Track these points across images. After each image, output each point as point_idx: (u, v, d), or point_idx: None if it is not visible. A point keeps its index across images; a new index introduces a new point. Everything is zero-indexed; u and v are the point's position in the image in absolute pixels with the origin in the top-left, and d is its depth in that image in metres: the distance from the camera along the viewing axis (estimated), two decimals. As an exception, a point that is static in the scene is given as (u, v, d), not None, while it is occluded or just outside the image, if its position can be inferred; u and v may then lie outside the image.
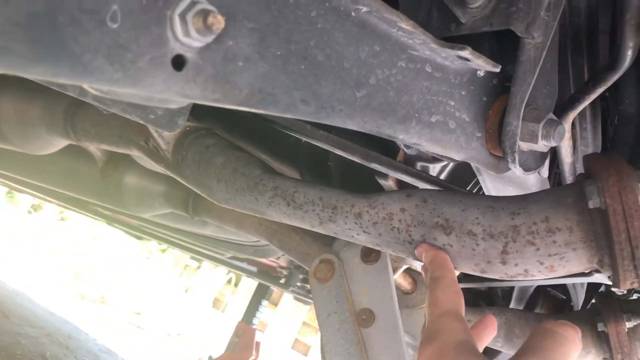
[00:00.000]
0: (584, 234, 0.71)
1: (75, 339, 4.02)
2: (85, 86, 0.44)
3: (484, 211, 0.77)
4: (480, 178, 1.00)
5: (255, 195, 0.95)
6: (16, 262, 5.97)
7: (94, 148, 1.74)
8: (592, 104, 1.19)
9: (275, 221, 1.50)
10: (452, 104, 0.62)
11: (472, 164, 0.95)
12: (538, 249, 0.73)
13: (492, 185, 1.01)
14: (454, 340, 0.59)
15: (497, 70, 0.60)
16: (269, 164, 1.39)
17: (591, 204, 0.67)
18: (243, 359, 3.23)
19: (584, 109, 1.19)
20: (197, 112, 1.17)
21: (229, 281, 8.13)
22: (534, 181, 0.97)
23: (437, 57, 0.58)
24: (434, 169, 1.10)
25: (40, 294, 4.96)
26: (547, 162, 0.87)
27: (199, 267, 8.62)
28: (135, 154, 1.24)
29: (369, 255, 1.10)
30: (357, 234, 0.88)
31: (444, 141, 0.63)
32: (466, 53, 0.54)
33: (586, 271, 0.77)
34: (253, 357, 3.26)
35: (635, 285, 0.72)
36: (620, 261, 0.68)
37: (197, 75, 0.40)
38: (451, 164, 1.13)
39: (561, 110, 0.87)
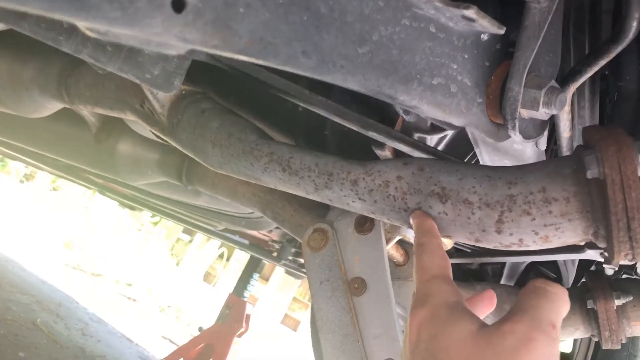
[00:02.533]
0: (581, 205, 0.71)
1: (66, 307, 4.02)
2: (83, 28, 0.43)
3: (480, 180, 0.77)
4: (477, 150, 1.00)
5: (250, 160, 0.94)
6: (7, 230, 5.96)
7: (88, 113, 1.72)
8: (592, 81, 1.18)
9: (269, 192, 1.50)
10: (455, 67, 0.61)
11: (470, 134, 0.95)
12: (534, 219, 0.73)
13: (488, 157, 1.01)
14: (444, 302, 0.59)
15: (502, 32, 0.59)
16: (267, 132, 1.38)
17: (589, 174, 0.67)
18: (233, 331, 3.24)
19: (583, 87, 1.18)
20: (193, 77, 1.16)
21: (221, 255, 8.15)
22: (531, 154, 0.97)
23: (441, 17, 0.57)
24: (431, 140, 1.09)
25: (31, 263, 4.96)
26: (545, 133, 0.87)
27: (190, 241, 8.62)
28: (130, 117, 1.23)
29: (363, 225, 1.10)
30: (353, 201, 0.87)
31: (444, 105, 0.62)
32: (471, 12, 0.53)
33: (581, 243, 0.77)
34: (243, 329, 3.28)
35: (629, 258, 0.72)
36: (615, 232, 0.68)
37: (197, 19, 0.39)
38: (448, 136, 1.12)
39: (562, 82, 0.86)
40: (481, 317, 0.78)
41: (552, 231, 0.73)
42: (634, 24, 0.73)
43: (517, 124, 0.65)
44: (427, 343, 0.55)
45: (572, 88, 0.85)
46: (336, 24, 0.48)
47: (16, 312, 3.22)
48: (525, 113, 0.66)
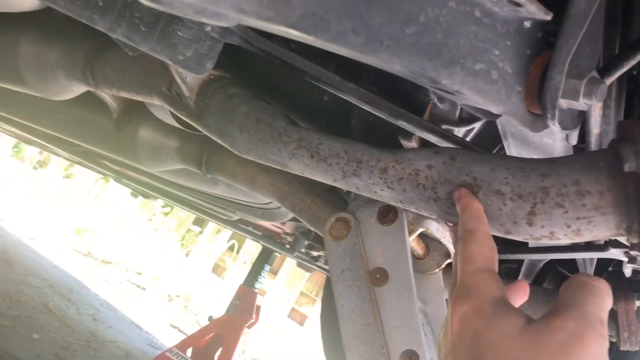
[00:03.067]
0: (615, 199, 0.70)
1: (77, 292, 4.06)
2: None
3: (513, 171, 0.76)
4: (505, 143, 0.99)
5: (278, 146, 0.94)
6: (21, 215, 6.01)
7: (110, 98, 1.73)
8: (619, 80, 1.17)
9: (287, 183, 1.50)
10: (497, 53, 0.60)
11: (500, 126, 0.94)
12: (566, 212, 0.72)
13: (516, 151, 1.00)
14: (490, 297, 0.57)
15: (549, 17, 0.59)
16: (294, 121, 1.38)
17: (627, 167, 0.66)
18: (243, 322, 3.26)
19: (610, 85, 1.17)
20: (219, 63, 1.16)
21: (231, 248, 8.18)
22: (561, 149, 0.96)
23: (486, 2, 0.56)
24: (458, 133, 1.09)
25: (43, 248, 5.00)
26: (578, 127, 0.86)
27: (201, 232, 8.67)
28: (156, 101, 1.23)
29: (386, 216, 1.10)
30: (381, 190, 0.87)
31: (485, 91, 0.62)
32: (519, -4, 0.52)
33: (612, 237, 0.76)
34: (253, 320, 3.29)
35: (663, 254, 0.72)
36: (650, 227, 0.68)
37: (254, -11, 0.39)
38: (475, 129, 1.11)
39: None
40: None
41: (584, 225, 0.73)
42: (676, 17, 0.72)
43: (556, 114, 0.64)
44: (472, 339, 0.54)
45: (608, 81, 0.84)
46: (386, 3, 0.48)
47: (29, 294, 3.25)
48: (564, 103, 0.66)
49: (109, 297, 4.56)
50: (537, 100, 0.66)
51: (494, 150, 1.14)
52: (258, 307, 3.32)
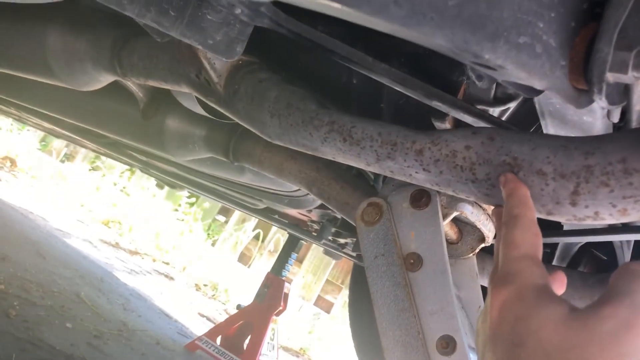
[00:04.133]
0: (665, 177, 0.67)
1: (107, 283, 4.12)
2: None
3: (555, 150, 0.74)
4: (542, 122, 0.96)
5: (310, 130, 0.93)
6: (50, 208, 6.12)
7: (137, 88, 1.73)
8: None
9: (315, 169, 1.49)
10: (541, 26, 0.58)
11: (537, 105, 0.91)
12: (612, 191, 0.70)
13: (554, 131, 0.97)
14: (533, 284, 0.56)
15: (596, -15, 0.56)
16: (323, 106, 1.36)
17: (679, 144, 0.64)
18: (271, 309, 3.27)
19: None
20: (248, 48, 1.15)
21: (257, 237, 8.23)
22: (601, 128, 0.93)
23: (530, -28, 0.54)
24: (493, 113, 1.06)
25: (73, 239, 5.09)
26: (623, 104, 0.83)
27: (226, 222, 8.73)
28: (185, 89, 1.22)
29: (419, 200, 1.08)
30: (416, 172, 0.85)
31: (529, 66, 0.59)
32: (568, -37, 0.50)
33: (660, 217, 0.73)
34: (281, 308, 3.30)
35: None
36: (703, 206, 0.65)
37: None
38: (511, 110, 1.09)
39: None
40: None
41: (631, 204, 0.70)
42: None
43: (604, 88, 0.62)
44: (513, 325, 0.53)
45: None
46: (429, -27, 0.46)
47: (61, 285, 3.31)
48: (611, 77, 0.63)
49: (138, 287, 4.63)
50: (582, 75, 0.64)
51: (530, 131, 1.11)
52: (286, 295, 3.33)
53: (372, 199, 1.13)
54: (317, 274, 7.69)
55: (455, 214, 1.11)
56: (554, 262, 1.58)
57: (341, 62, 0.88)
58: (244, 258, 8.38)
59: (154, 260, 6.77)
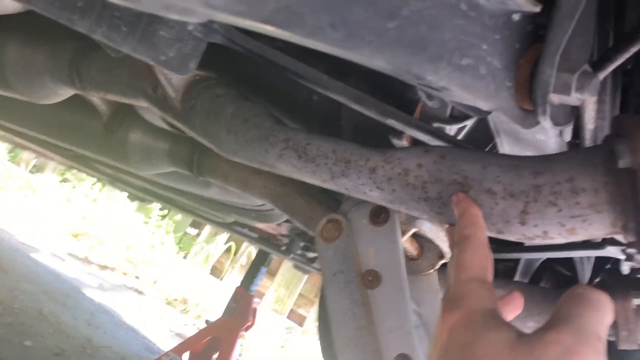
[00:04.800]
0: (610, 196, 0.68)
1: (73, 298, 4.02)
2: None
3: (505, 169, 0.74)
4: (498, 140, 0.97)
5: (265, 147, 0.92)
6: (17, 220, 5.97)
7: (99, 101, 1.70)
8: (614, 75, 1.15)
9: (280, 184, 1.48)
10: (485, 48, 0.58)
11: (492, 124, 0.92)
12: (560, 210, 0.70)
13: (509, 149, 0.98)
14: (481, 308, 0.55)
15: (537, 9, 0.57)
16: (283, 121, 1.36)
17: (621, 164, 0.64)
18: (240, 325, 3.23)
19: (605, 80, 1.15)
20: (206, 63, 1.14)
21: (229, 250, 8.15)
22: (554, 146, 0.94)
23: (472, -6, 0.54)
24: (450, 131, 1.06)
25: (40, 253, 4.97)
26: (571, 123, 0.84)
27: (198, 235, 8.62)
28: (142, 104, 1.21)
29: (378, 216, 1.07)
30: (370, 190, 0.85)
31: (473, 87, 0.59)
32: (506, -13, 0.50)
33: (608, 236, 0.74)
34: (250, 323, 3.27)
35: (660, 253, 0.70)
36: (646, 225, 0.66)
37: (222, -18, 0.37)
38: (467, 127, 1.09)
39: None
40: (508, 320, 0.73)
41: (578, 223, 0.70)
42: (670, 8, 0.70)
43: (547, 109, 0.62)
44: (460, 351, 0.52)
45: (601, 76, 0.82)
46: (367, -4, 0.46)
47: (23, 301, 3.22)
48: (556, 98, 0.64)
49: (106, 302, 4.53)
50: (528, 96, 0.64)
51: (487, 148, 1.12)
52: (255, 310, 3.30)
53: (332, 216, 1.12)
54: (290, 287, 7.64)
55: (413, 230, 1.11)
56: (516, 278, 1.59)
57: (296, 79, 0.87)
58: (216, 271, 8.28)
59: (124, 274, 6.65)
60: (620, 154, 0.64)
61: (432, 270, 1.26)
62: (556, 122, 0.66)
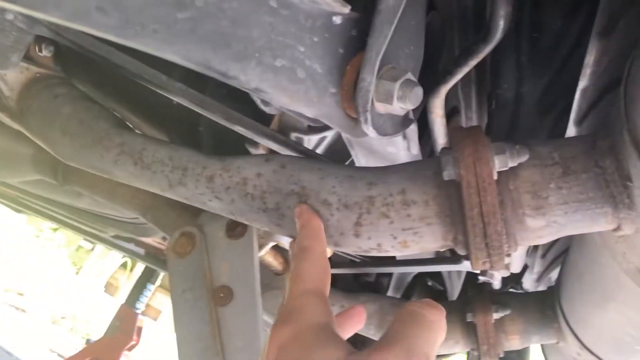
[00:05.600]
0: (440, 209, 0.67)
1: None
2: None
3: (341, 180, 0.72)
4: (352, 152, 0.95)
5: (100, 151, 0.85)
6: None
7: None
8: (478, 89, 1.17)
9: (150, 195, 1.39)
10: (302, 50, 0.55)
11: (344, 135, 0.90)
12: (392, 222, 0.68)
13: (365, 160, 0.97)
14: (312, 322, 0.52)
15: (347, 10, 0.55)
16: (139, 125, 1.27)
17: (446, 175, 0.63)
18: (123, 344, 3.06)
19: (470, 95, 1.17)
20: (63, 62, 1.05)
21: (124, 265, 7.78)
22: (405, 158, 0.94)
23: (283, -9, 0.51)
24: (309, 142, 1.04)
25: None
26: (414, 136, 0.84)
27: (92, 249, 8.19)
28: (-21, 102, 1.09)
29: (234, 229, 1.03)
30: (209, 200, 0.80)
31: (290, 91, 0.56)
32: (309, -17, 0.47)
33: (442, 249, 0.73)
34: (134, 343, 3.10)
35: (487, 267, 0.69)
36: (472, 238, 0.65)
37: None
38: (328, 138, 1.07)
39: (435, 84, 0.84)
40: (350, 334, 0.70)
41: (410, 236, 0.69)
42: (500, 22, 0.70)
43: (369, 118, 0.60)
44: None
45: (444, 90, 0.82)
46: (146, -21, 0.41)
47: None
48: (381, 107, 0.62)
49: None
50: (354, 103, 0.62)
51: (349, 160, 1.10)
52: (139, 329, 3.13)
53: (186, 229, 1.06)
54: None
55: (272, 244, 1.07)
56: (389, 292, 1.59)
57: (132, 78, 0.81)
58: (110, 288, 7.86)
59: (7, 291, 6.17)
60: (444, 165, 0.63)
61: (296, 286, 1.23)
62: (382, 132, 0.64)
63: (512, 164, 0.63)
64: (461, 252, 0.70)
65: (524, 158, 0.63)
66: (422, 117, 0.96)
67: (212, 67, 0.49)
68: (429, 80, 0.86)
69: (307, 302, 0.56)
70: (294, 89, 0.56)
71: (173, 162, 0.79)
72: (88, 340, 3.27)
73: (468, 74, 1.10)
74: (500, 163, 0.62)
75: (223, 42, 0.48)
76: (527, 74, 0.98)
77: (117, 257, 7.93)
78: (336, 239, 0.72)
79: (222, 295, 0.98)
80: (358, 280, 1.82)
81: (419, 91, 0.61)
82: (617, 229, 0.65)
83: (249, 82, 0.52)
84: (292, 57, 0.54)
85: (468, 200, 0.63)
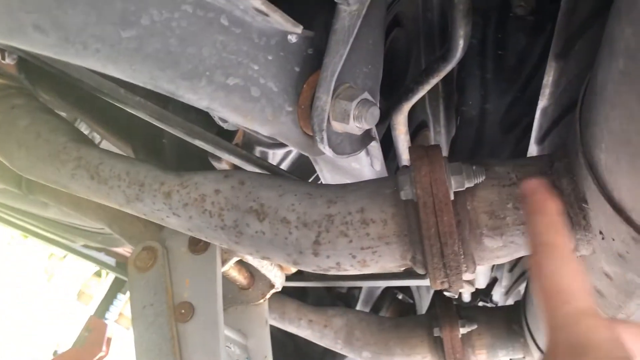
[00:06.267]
0: (398, 228, 0.66)
1: None
2: None
3: (301, 197, 0.71)
4: (317, 168, 0.95)
5: (56, 165, 0.83)
6: None
7: None
8: (446, 106, 1.18)
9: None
10: (256, 68, 0.54)
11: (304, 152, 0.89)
12: (351, 241, 0.68)
13: (330, 176, 0.96)
14: None
15: (298, 31, 0.54)
16: (104, 136, 1.25)
17: (403, 195, 0.63)
18: (91, 355, 2.99)
19: (438, 111, 1.18)
20: (28, 72, 1.02)
21: (98, 273, 7.66)
22: (370, 175, 0.93)
23: (235, 9, 0.50)
24: (274, 156, 1.03)
25: None
26: (377, 153, 0.83)
27: (65, 256, 8.04)
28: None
29: (197, 244, 1.01)
30: (167, 216, 0.78)
31: (244, 110, 0.55)
32: (258, 3, 0.47)
33: (401, 269, 0.73)
34: (103, 354, 3.04)
35: (445, 286, 0.69)
36: (429, 258, 0.65)
37: None
38: (294, 153, 1.07)
39: (397, 102, 0.83)
40: None
41: (369, 255, 0.68)
42: (460, 41, 0.71)
43: (325, 136, 0.60)
44: None
45: (406, 108, 0.82)
46: (86, -1, 0.40)
47: None
48: (338, 127, 0.61)
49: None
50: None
51: (314, 176, 1.10)
52: (109, 339, 3.07)
53: (147, 243, 1.04)
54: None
55: (235, 259, 1.05)
56: (358, 306, 1.58)
57: (91, 91, 0.79)
58: (83, 296, 7.74)
59: (-25, 300, 6.03)
60: (401, 185, 0.63)
61: (262, 300, 1.21)
62: (339, 151, 0.64)
63: (468, 184, 0.62)
64: (420, 271, 0.70)
65: (480, 178, 0.63)
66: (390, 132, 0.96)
67: (159, 85, 0.48)
68: (396, 96, 0.86)
69: (594, 330, 0.41)
70: (247, 107, 0.55)
71: (130, 177, 0.78)
72: (55, 352, 3.20)
73: (435, 90, 1.11)
74: (456, 183, 0.62)
75: (171, 61, 0.47)
76: (492, 92, 0.99)
77: (89, 264, 7.83)
78: (295, 258, 0.71)
79: (183, 311, 0.96)
80: (330, 292, 1.81)
81: (375, 111, 0.61)
82: (574, 250, 0.65)
83: (199, 100, 0.51)
84: (246, 75, 0.54)
85: (425, 220, 0.62)
